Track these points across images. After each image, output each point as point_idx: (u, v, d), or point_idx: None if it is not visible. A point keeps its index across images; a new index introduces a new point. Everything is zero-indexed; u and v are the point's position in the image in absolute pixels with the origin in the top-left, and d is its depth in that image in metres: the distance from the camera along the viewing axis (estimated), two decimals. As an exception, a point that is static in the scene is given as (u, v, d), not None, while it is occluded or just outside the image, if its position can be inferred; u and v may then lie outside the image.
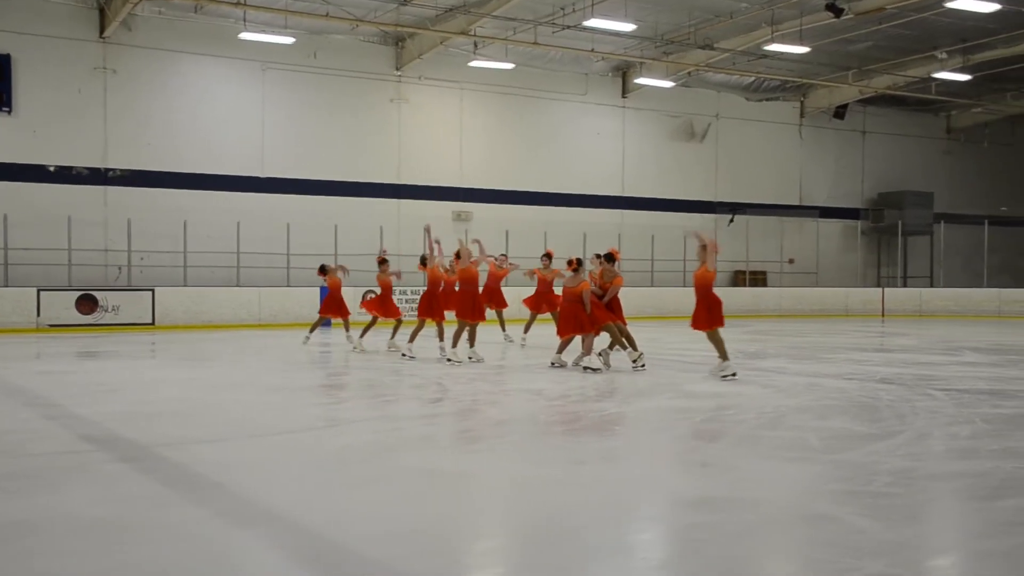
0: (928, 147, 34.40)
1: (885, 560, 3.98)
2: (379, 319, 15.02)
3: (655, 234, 27.90)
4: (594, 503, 5.02)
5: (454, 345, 12.53)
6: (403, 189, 25.95)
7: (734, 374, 10.60)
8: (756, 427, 7.54)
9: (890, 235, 32.44)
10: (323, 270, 15.86)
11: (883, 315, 27.96)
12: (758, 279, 30.21)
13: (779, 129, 31.57)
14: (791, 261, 30.79)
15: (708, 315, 10.64)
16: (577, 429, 7.53)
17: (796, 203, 31.80)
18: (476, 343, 12.78)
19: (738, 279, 30.12)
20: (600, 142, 28.82)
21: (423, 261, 13.77)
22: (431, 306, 13.15)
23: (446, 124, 26.68)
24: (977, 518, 4.78)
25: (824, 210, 32.06)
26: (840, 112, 31.61)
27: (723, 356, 10.67)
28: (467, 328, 12.48)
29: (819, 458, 6.23)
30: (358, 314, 18.69)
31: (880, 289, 29.67)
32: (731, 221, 30.27)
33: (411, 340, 13.44)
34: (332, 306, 15.62)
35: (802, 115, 31.90)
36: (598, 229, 27.17)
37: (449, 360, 12.31)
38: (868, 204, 33.38)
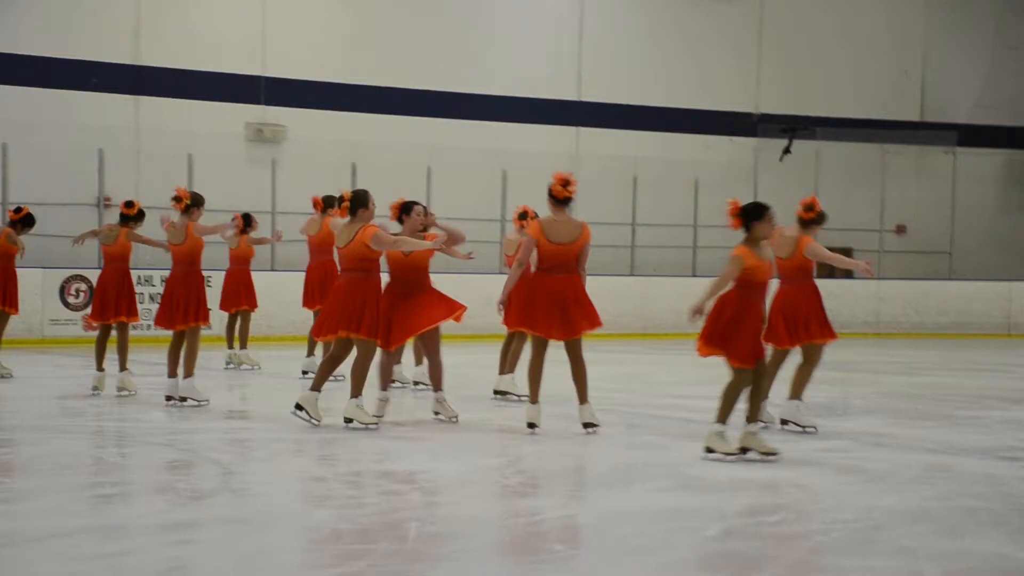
0: None
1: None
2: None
3: (640, 173, 27.74)
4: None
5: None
6: (145, 76, 25.74)
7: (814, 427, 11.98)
8: (826, 549, 7.66)
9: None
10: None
11: None
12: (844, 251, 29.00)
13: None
14: (900, 230, 30.77)
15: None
16: (486, 555, 7.57)
17: (915, 119, 31.83)
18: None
19: (802, 262, 29.07)
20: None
21: None
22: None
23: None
24: None
25: (968, 131, 31.90)
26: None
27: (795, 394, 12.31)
28: None
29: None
30: None
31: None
32: (786, 152, 30.17)
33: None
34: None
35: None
36: (532, 163, 26.16)
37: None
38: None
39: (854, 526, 8.17)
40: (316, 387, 12.35)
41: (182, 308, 13.48)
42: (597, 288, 14.28)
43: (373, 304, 12.10)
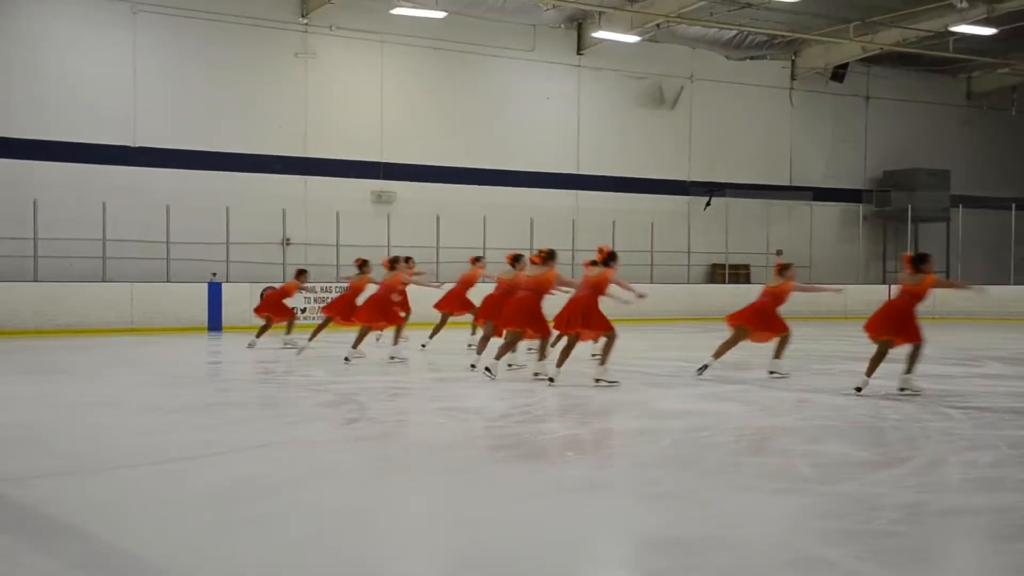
0: (944, 116, 35.09)
1: (889, 612, 4.03)
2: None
3: (616, 219, 28.00)
4: (540, 547, 5.02)
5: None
6: (311, 164, 25.92)
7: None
8: (735, 452, 7.70)
9: (898, 222, 33.04)
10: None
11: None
12: (740, 274, 30.52)
13: (765, 94, 32.03)
14: (779, 253, 30.73)
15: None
16: (519, 456, 7.60)
17: (786, 183, 32.28)
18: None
19: (716, 274, 30.47)
20: (551, 109, 29.05)
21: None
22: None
23: (363, 85, 26.66)
24: (999, 562, 4.88)
25: (819, 191, 32.52)
26: (839, 74, 32.17)
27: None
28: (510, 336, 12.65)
29: (810, 490, 6.36)
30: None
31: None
32: (708, 205, 30.64)
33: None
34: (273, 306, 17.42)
35: (793, 77, 32.42)
36: (548, 214, 27.44)
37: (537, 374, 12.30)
38: (872, 185, 33.98)
39: (752, 438, 8.34)
40: (498, 357, 12.06)
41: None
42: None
43: (541, 312, 11.95)
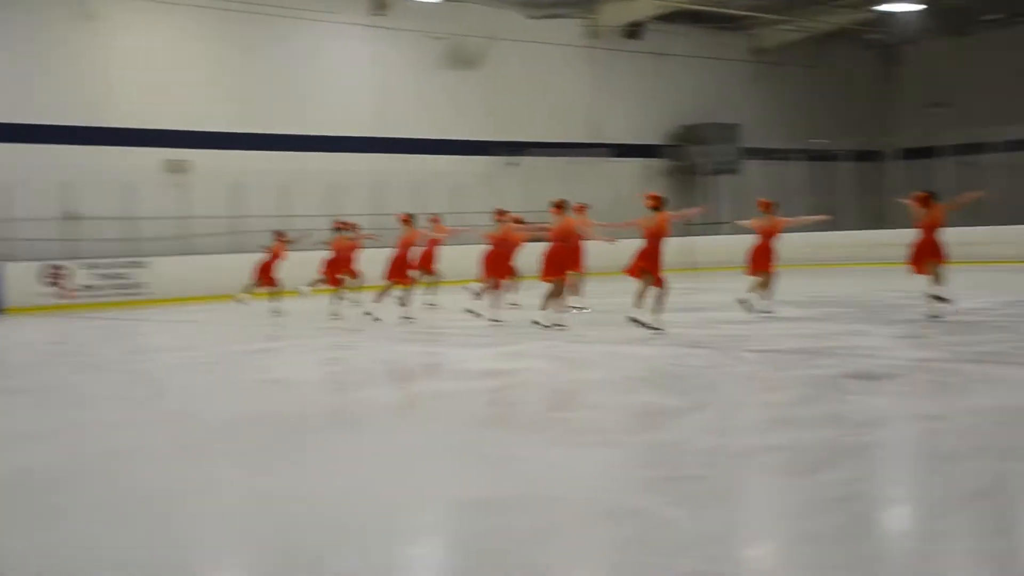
0: (733, 72, 36.27)
1: (698, 554, 4.18)
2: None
3: (424, 182, 27.95)
4: (353, 516, 4.98)
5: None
6: (100, 133, 24.74)
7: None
8: (547, 408, 7.89)
9: (693, 175, 34.01)
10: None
11: (695, 268, 28.76)
12: (544, 234, 30.77)
13: (565, 53, 32.32)
14: (579, 209, 31.31)
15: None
16: (331, 426, 7.54)
17: (587, 140, 32.65)
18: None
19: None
20: (353, 72, 28.65)
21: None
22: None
23: (153, 50, 25.63)
24: (797, 497, 5.10)
25: (619, 148, 33.12)
26: (635, 31, 32.68)
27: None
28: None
29: (621, 441, 6.51)
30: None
31: (688, 239, 30.27)
32: (512, 164, 30.78)
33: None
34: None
35: (591, 35, 32.74)
36: (353, 179, 27.09)
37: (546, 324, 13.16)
38: (669, 140, 34.88)
39: (563, 393, 8.61)
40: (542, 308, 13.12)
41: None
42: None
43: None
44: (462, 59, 30.31)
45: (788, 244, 21.15)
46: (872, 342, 10.95)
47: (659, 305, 12.30)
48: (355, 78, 28.73)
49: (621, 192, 31.39)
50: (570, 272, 13.70)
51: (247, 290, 17.72)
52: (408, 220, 16.28)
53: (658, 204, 12.67)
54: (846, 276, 15.43)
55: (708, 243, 30.41)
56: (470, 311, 14.91)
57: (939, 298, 12.77)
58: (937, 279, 12.80)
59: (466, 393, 8.67)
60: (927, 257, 12.92)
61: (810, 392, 8.02)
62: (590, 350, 11.22)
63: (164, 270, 22.93)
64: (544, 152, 31.13)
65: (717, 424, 6.88)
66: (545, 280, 13.40)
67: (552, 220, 13.72)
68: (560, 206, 13.71)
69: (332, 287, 16.88)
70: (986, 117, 33.31)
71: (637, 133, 33.97)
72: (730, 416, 7.24)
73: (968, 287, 13.75)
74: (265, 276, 17.60)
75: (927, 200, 13.12)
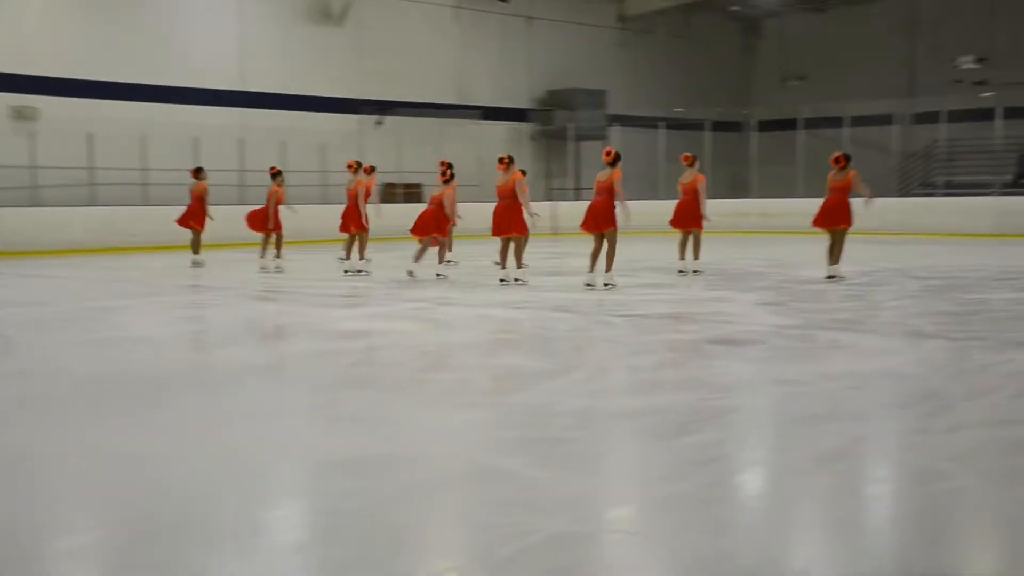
0: (600, 38, 36.69)
1: (565, 516, 4.21)
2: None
3: (287, 139, 27.41)
4: (218, 479, 4.86)
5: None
6: None
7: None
8: (415, 370, 7.80)
9: (560, 140, 34.32)
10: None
11: (557, 233, 28.95)
12: (413, 193, 30.66)
13: (433, 12, 32.15)
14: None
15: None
16: (191, 386, 7.34)
17: (456, 102, 32.58)
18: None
19: (389, 193, 30.43)
20: (213, 22, 27.96)
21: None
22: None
23: (-1, -10, 24.49)
24: (661, 459, 5.18)
25: (487, 111, 33.16)
26: (504, -6, 32.65)
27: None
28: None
29: (488, 402, 6.55)
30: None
31: (552, 203, 30.88)
32: (379, 123, 30.58)
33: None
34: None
35: (460, -4, 32.56)
36: (215, 132, 26.38)
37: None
38: (536, 104, 35.10)
39: (432, 354, 8.50)
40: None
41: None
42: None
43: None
44: (328, 14, 29.85)
45: (655, 211, 21.48)
46: (733, 308, 11.24)
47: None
48: (217, 29, 28.05)
49: (488, 155, 31.47)
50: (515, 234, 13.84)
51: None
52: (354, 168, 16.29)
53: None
54: (708, 243, 15.70)
55: (572, 208, 30.55)
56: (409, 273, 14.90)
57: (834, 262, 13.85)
58: (838, 243, 13.75)
59: (333, 353, 8.57)
60: (834, 218, 13.73)
61: (675, 357, 8.22)
62: (457, 312, 11.24)
63: (9, 222, 21.98)
64: (411, 112, 30.91)
65: (583, 387, 6.94)
66: (498, 236, 13.89)
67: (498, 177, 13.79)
68: (505, 161, 13.74)
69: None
70: (840, 91, 34.50)
71: (505, 96, 34.12)
72: (596, 379, 7.32)
73: (820, 257, 14.19)
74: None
75: (844, 162, 13.79)
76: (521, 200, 13.52)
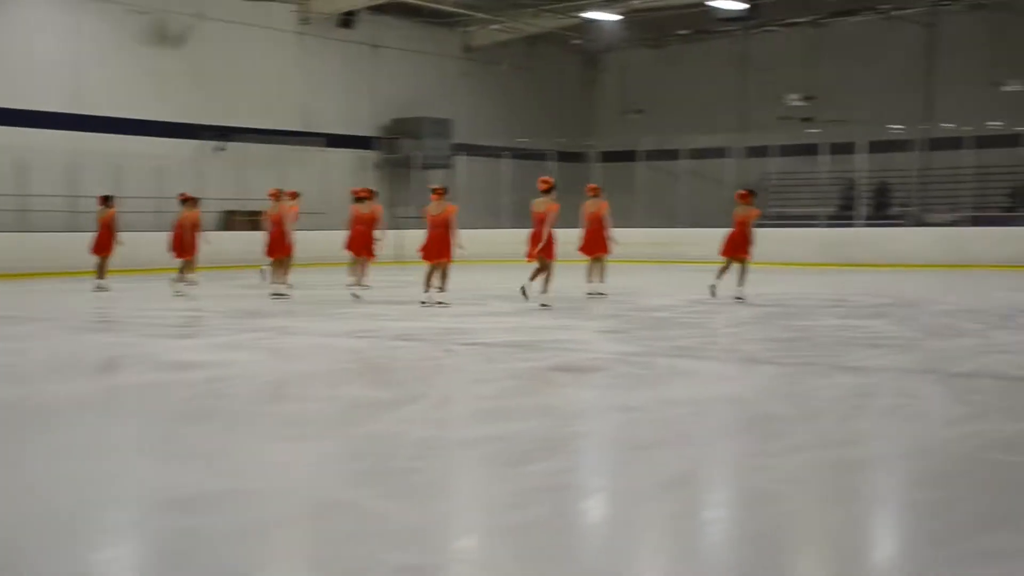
0: (446, 67, 36.79)
1: (411, 548, 4.16)
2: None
3: (123, 164, 26.51)
4: (41, 517, 4.60)
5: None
6: None
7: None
8: (254, 402, 7.64)
9: (405, 168, 34.16)
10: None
11: (403, 262, 27.89)
12: (255, 221, 29.94)
13: (276, 38, 31.63)
14: (293, 195, 30.70)
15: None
16: (11, 419, 7.00)
17: (300, 129, 32.13)
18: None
19: (231, 221, 29.76)
20: (44, 41, 26.76)
21: None
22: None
23: None
24: (507, 487, 5.17)
25: (331, 138, 32.79)
26: (348, 20, 32.50)
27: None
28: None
29: (331, 434, 6.43)
30: None
31: (396, 232, 30.46)
32: (220, 148, 29.85)
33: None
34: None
35: (303, 22, 32.26)
36: (44, 157, 25.31)
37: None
38: (381, 132, 34.87)
39: (271, 386, 8.24)
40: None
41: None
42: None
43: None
44: (166, 36, 29.08)
45: (500, 240, 21.61)
46: (578, 336, 11.37)
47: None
48: (48, 48, 26.82)
49: (333, 182, 31.24)
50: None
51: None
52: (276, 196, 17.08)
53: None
54: (557, 272, 15.80)
55: (416, 237, 30.36)
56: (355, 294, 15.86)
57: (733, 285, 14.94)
58: (742, 269, 15.01)
59: (169, 385, 8.32)
60: (738, 249, 15.02)
61: (520, 384, 8.23)
62: (300, 342, 11.10)
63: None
64: (254, 138, 30.25)
65: (429, 416, 6.91)
66: (430, 262, 14.63)
67: (431, 207, 14.56)
68: (439, 192, 14.61)
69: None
70: (677, 125, 35.53)
71: (350, 124, 33.82)
72: (441, 408, 7.30)
73: (659, 285, 14.55)
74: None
75: (749, 198, 15.08)
76: (452, 231, 14.35)
